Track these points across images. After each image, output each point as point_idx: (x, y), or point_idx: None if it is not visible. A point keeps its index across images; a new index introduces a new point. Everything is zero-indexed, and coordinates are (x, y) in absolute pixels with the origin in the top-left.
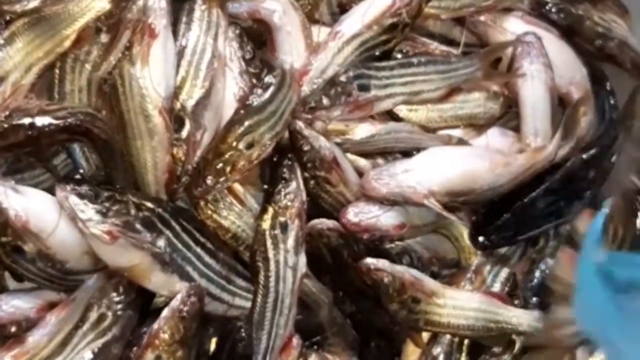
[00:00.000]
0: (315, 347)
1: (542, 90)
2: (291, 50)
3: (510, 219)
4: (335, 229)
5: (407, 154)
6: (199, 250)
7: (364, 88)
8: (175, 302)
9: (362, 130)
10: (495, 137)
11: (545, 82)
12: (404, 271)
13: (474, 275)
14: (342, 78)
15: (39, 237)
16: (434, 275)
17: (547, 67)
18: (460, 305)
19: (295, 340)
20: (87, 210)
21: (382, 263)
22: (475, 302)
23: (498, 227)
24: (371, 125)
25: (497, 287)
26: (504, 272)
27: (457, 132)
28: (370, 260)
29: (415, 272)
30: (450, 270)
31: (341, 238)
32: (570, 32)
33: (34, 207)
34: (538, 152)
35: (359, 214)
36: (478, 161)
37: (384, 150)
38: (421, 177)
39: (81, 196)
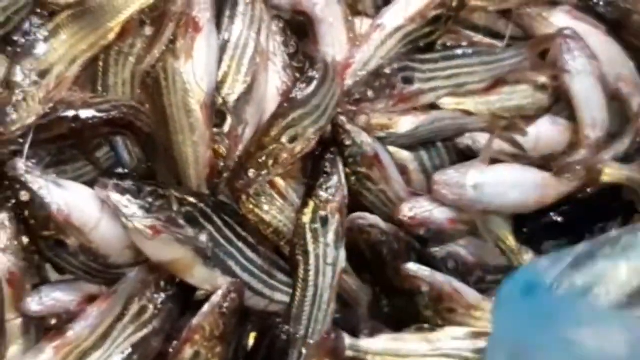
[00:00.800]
0: None
1: (591, 82)
2: (333, 42)
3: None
4: (376, 225)
5: (449, 140)
6: (240, 244)
7: (408, 81)
8: (215, 298)
9: (406, 123)
10: (545, 126)
11: (592, 74)
12: (444, 282)
13: None
14: (387, 70)
15: (82, 231)
16: (479, 281)
17: (591, 58)
18: None
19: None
20: (130, 206)
21: (423, 272)
22: None
23: (543, 225)
24: (414, 117)
25: None
26: None
27: None
28: (412, 267)
29: (457, 285)
30: (495, 277)
31: (382, 235)
32: (618, 26)
33: (76, 201)
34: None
35: (413, 208)
36: (533, 193)
37: (427, 141)
38: (484, 197)
39: (124, 191)
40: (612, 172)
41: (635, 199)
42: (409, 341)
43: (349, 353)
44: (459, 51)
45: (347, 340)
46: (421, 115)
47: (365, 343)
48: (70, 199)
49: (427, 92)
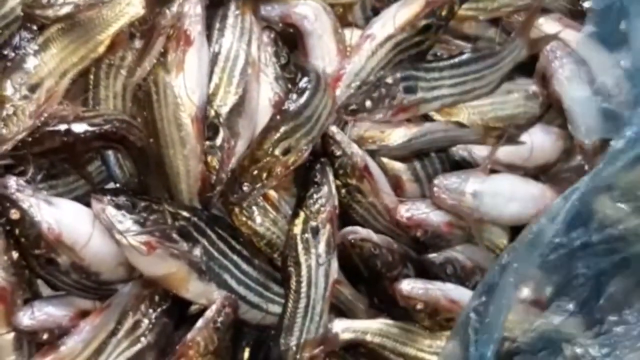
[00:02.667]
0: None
1: (582, 88)
2: (323, 54)
3: None
4: (368, 238)
5: (442, 150)
6: (235, 257)
7: (410, 90)
8: (209, 313)
9: (397, 135)
10: (538, 135)
11: (582, 80)
12: (440, 296)
13: None
14: (389, 80)
15: (73, 249)
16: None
17: (579, 64)
18: None
19: None
20: (125, 221)
21: (417, 291)
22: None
23: None
24: (407, 129)
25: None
26: None
27: None
28: (405, 287)
29: (453, 294)
30: None
31: (375, 248)
32: None
33: (67, 219)
34: None
35: (410, 209)
36: (531, 205)
37: (420, 152)
38: (482, 206)
39: (118, 207)
40: None
41: None
42: (410, 331)
43: (345, 336)
44: (465, 57)
45: (342, 323)
46: (414, 127)
47: (361, 323)
48: (61, 217)
49: (431, 101)
